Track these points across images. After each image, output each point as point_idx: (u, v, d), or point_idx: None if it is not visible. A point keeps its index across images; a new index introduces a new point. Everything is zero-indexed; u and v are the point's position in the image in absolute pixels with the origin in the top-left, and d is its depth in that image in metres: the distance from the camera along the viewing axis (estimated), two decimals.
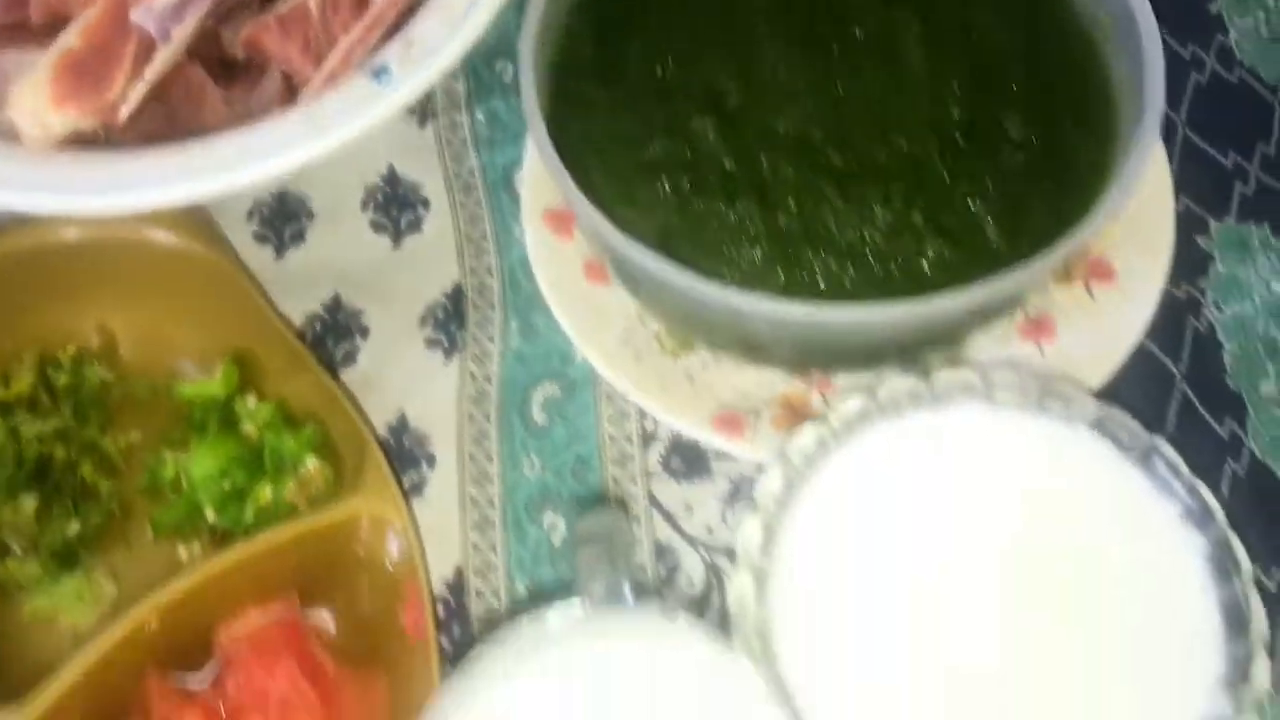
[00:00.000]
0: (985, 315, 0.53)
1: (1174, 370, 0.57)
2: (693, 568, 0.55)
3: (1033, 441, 0.50)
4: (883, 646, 0.46)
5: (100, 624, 0.54)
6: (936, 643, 0.46)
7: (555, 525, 0.56)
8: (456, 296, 0.61)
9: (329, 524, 0.52)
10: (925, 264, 0.51)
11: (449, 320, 0.61)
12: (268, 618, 0.52)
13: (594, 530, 0.48)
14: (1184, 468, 0.48)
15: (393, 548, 0.52)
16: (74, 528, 0.55)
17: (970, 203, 0.52)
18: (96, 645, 0.49)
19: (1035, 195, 0.52)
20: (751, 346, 0.55)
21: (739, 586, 0.46)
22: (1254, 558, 0.47)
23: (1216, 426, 0.56)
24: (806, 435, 0.49)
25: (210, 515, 0.56)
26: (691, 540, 0.55)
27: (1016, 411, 0.50)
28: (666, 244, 0.51)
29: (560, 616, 0.46)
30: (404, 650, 0.51)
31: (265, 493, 0.55)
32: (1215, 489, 0.51)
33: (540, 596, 0.55)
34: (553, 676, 0.45)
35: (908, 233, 0.51)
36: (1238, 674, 0.44)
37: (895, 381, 0.50)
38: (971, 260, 0.51)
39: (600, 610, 0.47)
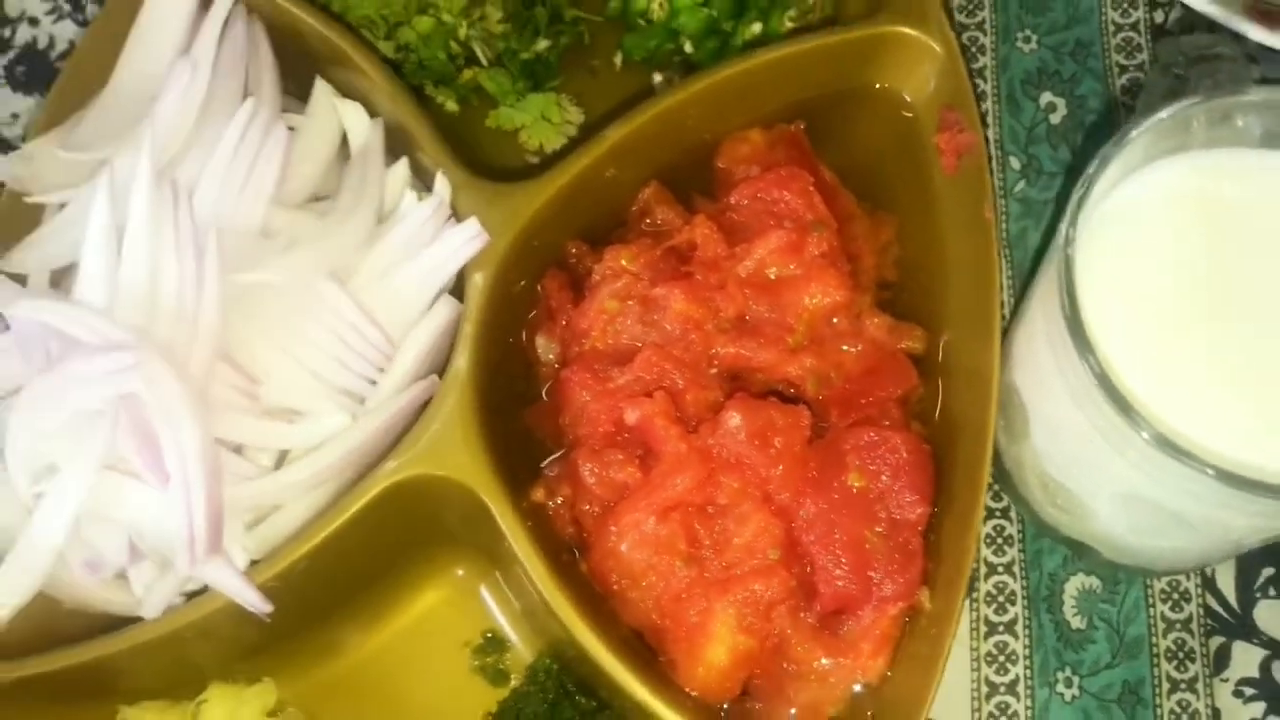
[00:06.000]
0: None
1: None
2: None
3: None
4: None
5: (569, 146, 0.51)
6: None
7: (1054, 106, 0.52)
8: None
9: (843, 41, 0.47)
10: None
11: None
12: (772, 137, 0.48)
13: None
14: None
15: (927, 76, 0.46)
16: (542, 44, 0.51)
17: None
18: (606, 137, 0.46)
19: None
20: None
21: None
22: None
23: None
24: None
25: (688, 46, 0.51)
26: None
27: None
28: None
29: None
30: (922, 191, 0.47)
31: (753, 27, 0.50)
32: None
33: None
34: None
35: None
36: None
37: None
38: None
39: None
